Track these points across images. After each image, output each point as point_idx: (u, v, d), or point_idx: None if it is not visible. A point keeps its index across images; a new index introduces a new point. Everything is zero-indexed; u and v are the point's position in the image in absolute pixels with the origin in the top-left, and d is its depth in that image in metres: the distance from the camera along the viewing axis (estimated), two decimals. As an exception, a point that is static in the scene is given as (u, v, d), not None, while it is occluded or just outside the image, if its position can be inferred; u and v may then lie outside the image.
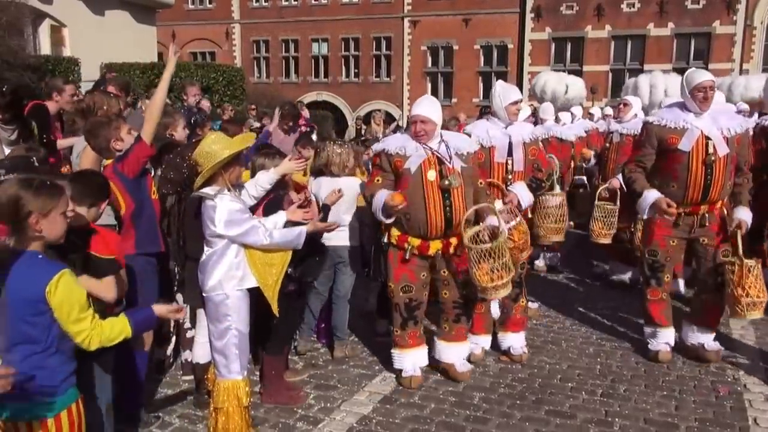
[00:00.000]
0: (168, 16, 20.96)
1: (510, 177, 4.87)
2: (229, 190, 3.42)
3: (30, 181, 2.36)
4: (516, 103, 4.83)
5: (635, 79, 11.18)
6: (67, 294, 2.33)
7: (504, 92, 4.85)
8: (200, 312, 3.97)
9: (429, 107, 4.29)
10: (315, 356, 5.11)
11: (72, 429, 2.41)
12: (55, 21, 17.24)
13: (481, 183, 4.45)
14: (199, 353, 4.08)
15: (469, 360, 4.78)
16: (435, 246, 4.30)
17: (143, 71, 17.02)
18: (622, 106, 7.22)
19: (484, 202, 4.37)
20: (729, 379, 4.64)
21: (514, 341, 5.01)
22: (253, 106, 14.07)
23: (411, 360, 4.52)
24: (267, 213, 3.75)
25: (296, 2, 35.08)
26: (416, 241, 4.30)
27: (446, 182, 4.15)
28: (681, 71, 6.06)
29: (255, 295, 3.53)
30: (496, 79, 26.99)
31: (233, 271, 3.43)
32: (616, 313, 6.08)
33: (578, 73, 28.43)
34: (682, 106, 4.73)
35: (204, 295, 3.48)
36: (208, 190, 3.38)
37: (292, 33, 35.28)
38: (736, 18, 27.73)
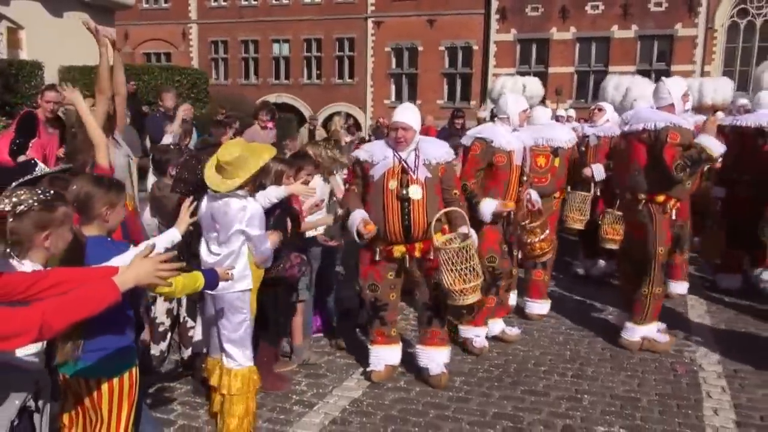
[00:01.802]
0: (120, 15, 20.19)
1: (525, 179, 5.24)
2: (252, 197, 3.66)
3: (100, 180, 2.80)
4: (526, 110, 5.31)
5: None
6: None
7: (519, 99, 5.27)
8: (199, 307, 4.28)
9: (410, 115, 4.42)
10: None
11: (131, 391, 2.68)
12: (11, 23, 16.74)
13: (455, 193, 4.53)
14: (198, 345, 4.35)
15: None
16: (399, 250, 4.43)
17: None
18: (596, 110, 7.44)
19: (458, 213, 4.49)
20: (686, 360, 5.11)
21: (505, 324, 5.53)
22: (223, 110, 13.60)
23: (375, 355, 4.70)
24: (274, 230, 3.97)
25: (256, 2, 34.65)
26: (381, 244, 4.45)
27: (404, 192, 4.29)
28: (644, 73, 6.32)
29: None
30: (461, 81, 26.93)
31: (246, 271, 3.64)
32: (582, 306, 6.57)
33: (543, 74, 28.70)
34: (669, 111, 5.05)
35: (221, 291, 3.62)
36: (239, 192, 3.57)
37: (252, 33, 34.83)
38: (698, 21, 28.37)
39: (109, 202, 2.72)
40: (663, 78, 5.39)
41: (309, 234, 4.89)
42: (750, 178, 6.54)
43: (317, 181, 4.94)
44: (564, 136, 6.13)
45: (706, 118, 5.39)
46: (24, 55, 16.81)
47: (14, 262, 2.24)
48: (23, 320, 1.86)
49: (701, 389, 4.54)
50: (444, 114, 13.83)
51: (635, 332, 5.25)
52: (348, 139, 12.54)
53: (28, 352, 2.13)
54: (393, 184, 4.30)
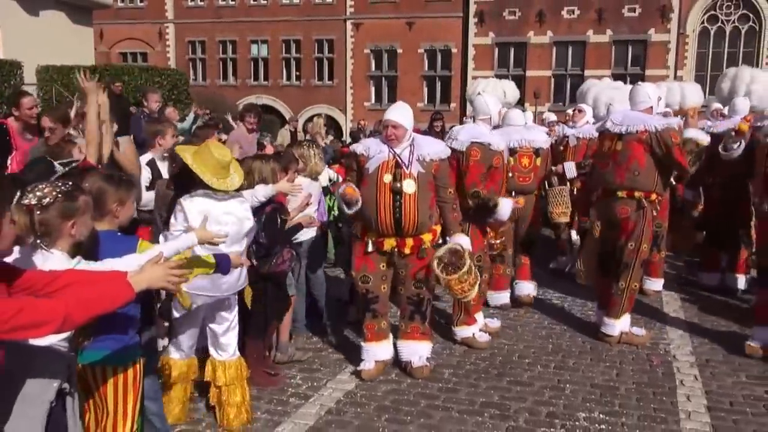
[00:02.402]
0: (95, 14, 19.99)
1: (510, 175, 5.56)
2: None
3: (111, 177, 2.94)
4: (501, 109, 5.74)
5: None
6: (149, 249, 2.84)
7: (495, 100, 5.64)
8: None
9: (400, 113, 4.57)
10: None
11: (135, 384, 2.84)
12: (-14, 21, 16.38)
13: (450, 192, 4.68)
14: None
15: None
16: (389, 243, 4.56)
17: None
18: (576, 112, 7.72)
19: (451, 214, 4.69)
20: (661, 352, 5.39)
21: (486, 317, 5.75)
22: (208, 111, 13.52)
23: (366, 351, 4.78)
24: (265, 227, 4.21)
25: (234, 2, 34.40)
26: (373, 236, 4.61)
27: (397, 185, 4.41)
28: (620, 77, 6.74)
29: None
30: (440, 84, 26.89)
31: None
32: (563, 302, 6.83)
33: (521, 77, 29.04)
34: (648, 113, 5.33)
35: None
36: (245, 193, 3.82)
37: (230, 34, 34.61)
38: (670, 26, 28.92)
39: (119, 198, 2.87)
40: (640, 82, 5.67)
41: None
42: (721, 180, 6.80)
43: (302, 179, 5.05)
44: (543, 137, 6.41)
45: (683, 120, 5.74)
46: (0, 54, 16.67)
47: (43, 252, 2.42)
48: (50, 310, 1.99)
49: (675, 378, 4.82)
50: (424, 117, 13.96)
51: (614, 327, 5.47)
52: (327, 140, 12.73)
53: (60, 337, 2.27)
54: (388, 178, 4.43)
